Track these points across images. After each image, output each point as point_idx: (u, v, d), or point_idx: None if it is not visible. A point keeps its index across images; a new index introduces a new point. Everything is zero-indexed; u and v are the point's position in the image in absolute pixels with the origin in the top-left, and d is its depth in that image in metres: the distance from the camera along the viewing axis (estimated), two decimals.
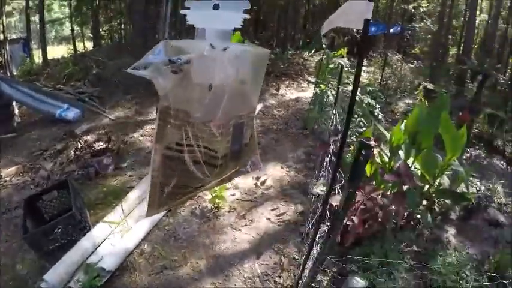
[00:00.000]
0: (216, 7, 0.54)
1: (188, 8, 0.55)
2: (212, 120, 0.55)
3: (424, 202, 3.23)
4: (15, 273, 2.90)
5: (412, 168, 3.02)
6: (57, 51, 14.74)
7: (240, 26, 0.56)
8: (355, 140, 4.18)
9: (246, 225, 3.25)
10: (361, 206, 2.73)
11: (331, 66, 5.62)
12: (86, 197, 3.70)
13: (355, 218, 2.66)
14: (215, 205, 3.45)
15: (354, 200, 2.48)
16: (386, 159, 3.19)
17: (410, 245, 2.91)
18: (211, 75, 0.52)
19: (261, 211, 3.46)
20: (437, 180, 3.14)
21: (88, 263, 2.60)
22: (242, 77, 0.56)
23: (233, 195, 3.69)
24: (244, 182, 3.88)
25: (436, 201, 3.37)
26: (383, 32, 12.68)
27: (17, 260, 3.02)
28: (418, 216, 3.13)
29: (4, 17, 12.88)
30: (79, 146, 4.74)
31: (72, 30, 13.89)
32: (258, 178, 3.96)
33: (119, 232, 2.96)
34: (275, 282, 2.56)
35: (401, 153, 3.13)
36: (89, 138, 4.99)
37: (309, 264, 2.06)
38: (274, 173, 4.18)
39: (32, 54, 13.67)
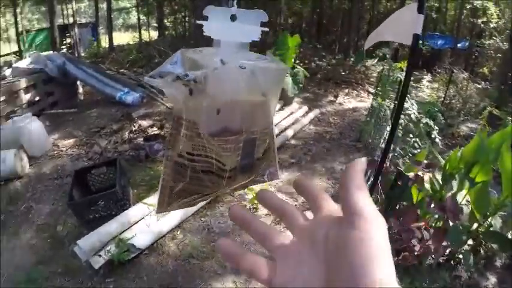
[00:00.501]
0: (233, 18, 0.54)
1: (206, 17, 0.55)
2: (220, 135, 0.56)
3: (470, 242, 2.91)
4: (55, 233, 3.15)
5: (463, 202, 2.79)
6: (123, 38, 15.62)
7: (258, 39, 0.57)
8: (408, 161, 3.95)
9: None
10: (396, 236, 2.58)
11: (391, 78, 5.37)
12: (132, 177, 3.89)
13: None
14: (254, 206, 3.44)
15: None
16: (437, 188, 2.96)
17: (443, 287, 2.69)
18: (223, 90, 0.53)
19: None
20: (488, 220, 2.83)
21: (121, 238, 2.73)
22: (256, 94, 0.56)
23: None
24: (287, 187, 3.83)
25: (483, 243, 3.08)
26: (450, 47, 11.92)
27: (59, 222, 3.28)
28: (460, 256, 2.89)
29: (74, 2, 13.92)
30: (134, 128, 5.01)
31: (139, 19, 14.66)
32: None
33: (155, 215, 3.09)
34: None
35: (455, 183, 2.90)
36: (144, 122, 5.24)
37: None
38: (320, 183, 4.08)
39: (99, 38, 14.63)
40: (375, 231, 0.29)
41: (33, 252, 2.96)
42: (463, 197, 2.78)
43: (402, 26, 1.28)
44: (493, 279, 2.91)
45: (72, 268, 2.74)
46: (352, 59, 9.52)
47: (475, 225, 2.83)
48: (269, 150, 0.74)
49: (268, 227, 0.39)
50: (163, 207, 0.73)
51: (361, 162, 0.33)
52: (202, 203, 3.30)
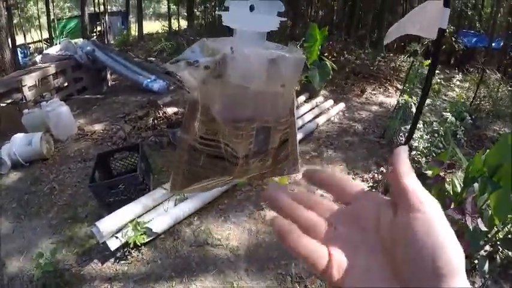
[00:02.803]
0: (251, 8, 0.55)
1: (227, 8, 0.56)
2: (231, 121, 0.57)
3: (487, 247, 2.85)
4: (75, 214, 3.25)
5: (484, 207, 2.70)
6: (153, 27, 15.85)
7: (276, 29, 0.57)
8: (430, 160, 3.85)
9: None
10: None
11: (420, 75, 5.22)
12: (153, 163, 3.95)
13: None
14: None
15: None
16: (458, 190, 2.87)
17: None
18: (239, 77, 0.53)
19: None
20: (508, 227, 2.73)
21: (139, 221, 2.78)
22: (270, 83, 0.56)
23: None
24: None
25: (500, 250, 2.97)
26: (484, 46, 11.45)
27: (79, 204, 3.39)
28: (476, 261, 2.80)
29: None
30: (158, 115, 5.07)
31: (169, 8, 14.80)
32: None
33: (174, 200, 3.13)
34: (305, 286, 2.53)
35: (476, 186, 2.80)
36: (169, 110, 5.28)
37: None
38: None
39: (129, 27, 14.91)
40: (437, 212, 0.28)
41: (52, 232, 3.07)
42: (483, 202, 2.69)
43: (427, 19, 1.22)
44: None
45: (89, 249, 2.83)
46: (381, 54, 9.30)
47: (494, 231, 2.73)
48: (289, 142, 0.74)
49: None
50: (176, 188, 0.74)
51: (405, 149, 0.32)
52: (220, 190, 3.33)
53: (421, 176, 2.64)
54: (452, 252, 0.26)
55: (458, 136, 4.57)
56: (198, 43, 0.58)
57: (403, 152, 0.31)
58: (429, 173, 2.78)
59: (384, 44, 1.76)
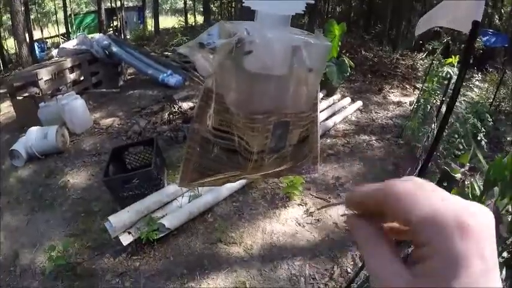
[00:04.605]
0: None
1: None
2: (247, 112, 0.51)
3: (505, 254, 2.75)
4: (89, 208, 3.25)
5: (503, 212, 2.59)
6: (169, 22, 15.97)
7: (302, 12, 0.50)
8: (449, 162, 3.72)
9: (311, 223, 3.11)
10: None
11: (440, 74, 5.06)
12: (168, 158, 3.93)
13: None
14: (287, 195, 3.37)
15: None
16: (478, 193, 2.77)
17: None
18: (258, 63, 0.47)
19: (331, 213, 3.27)
20: None
21: (152, 217, 2.77)
22: (293, 71, 0.49)
23: (308, 189, 3.54)
24: (323, 179, 3.73)
25: None
26: (503, 46, 11.14)
27: (93, 197, 3.39)
28: None
29: None
30: (174, 110, 5.04)
31: (185, 3, 14.87)
32: (338, 178, 3.77)
33: (188, 196, 3.10)
34: None
35: (496, 190, 2.69)
36: (185, 105, 5.26)
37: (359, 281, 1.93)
38: (357, 177, 3.95)
39: (146, 22, 15.05)
40: None
41: (66, 225, 3.08)
42: (503, 206, 2.58)
43: (459, 11, 1.14)
44: None
45: (101, 243, 2.82)
46: (400, 52, 9.13)
47: None
48: (309, 139, 0.68)
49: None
50: (185, 181, 0.69)
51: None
52: (235, 186, 3.30)
53: (446, 178, 2.55)
54: None
55: (479, 138, 4.43)
56: (216, 25, 0.53)
57: None
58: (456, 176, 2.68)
59: (416, 34, 1.66)
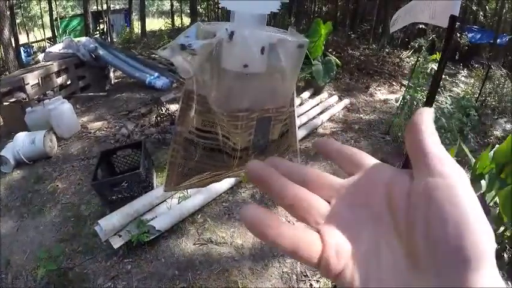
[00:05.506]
0: None
1: None
2: (230, 111, 0.53)
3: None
4: (78, 212, 3.23)
5: (491, 204, 2.65)
6: (156, 24, 15.93)
7: (278, 11, 0.52)
8: None
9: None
10: None
11: (426, 71, 5.15)
12: (157, 160, 3.92)
13: None
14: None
15: None
16: None
17: None
18: (236, 63, 0.49)
19: None
20: None
21: (142, 219, 2.77)
22: (271, 68, 0.52)
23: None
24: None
25: (508, 248, 2.90)
26: (488, 42, 11.39)
27: (83, 202, 3.37)
28: None
29: None
30: (161, 112, 5.04)
31: (172, 5, 14.83)
32: None
33: (177, 198, 3.10)
34: (311, 285, 2.49)
35: (484, 183, 2.75)
36: (172, 107, 5.25)
37: None
38: (345, 174, 3.96)
39: (132, 24, 14.98)
40: (463, 179, 0.21)
41: (56, 230, 3.05)
42: (491, 199, 2.64)
43: (437, 6, 1.17)
44: None
45: (92, 247, 2.81)
46: (386, 50, 9.24)
47: (501, 228, 2.68)
48: (288, 134, 0.70)
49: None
50: (170, 185, 0.71)
51: (430, 111, 0.25)
52: (224, 186, 3.31)
53: None
54: (480, 230, 0.20)
55: (465, 132, 4.51)
56: (193, 27, 0.55)
57: (427, 113, 0.25)
58: None
59: (391, 31, 1.68)
